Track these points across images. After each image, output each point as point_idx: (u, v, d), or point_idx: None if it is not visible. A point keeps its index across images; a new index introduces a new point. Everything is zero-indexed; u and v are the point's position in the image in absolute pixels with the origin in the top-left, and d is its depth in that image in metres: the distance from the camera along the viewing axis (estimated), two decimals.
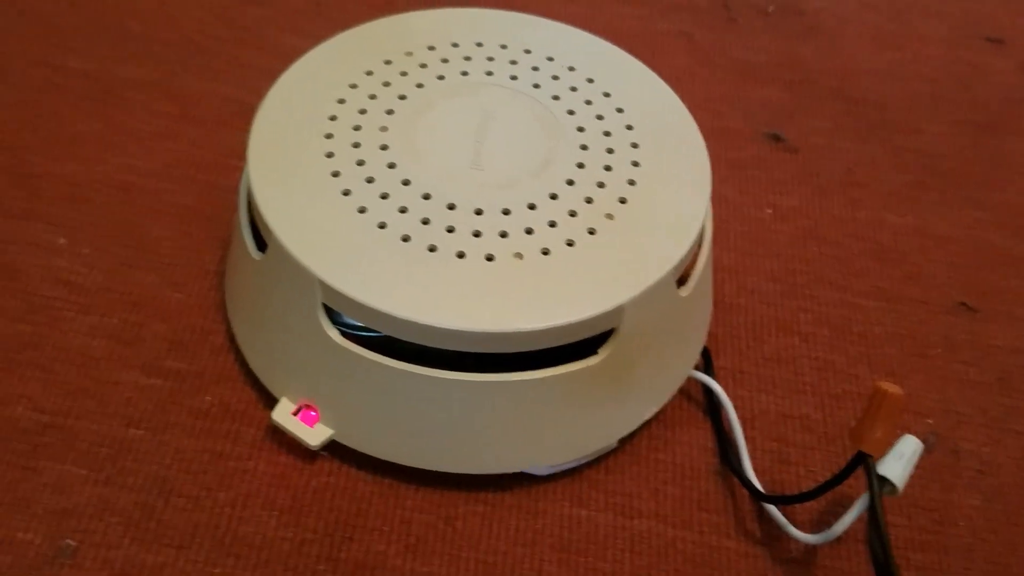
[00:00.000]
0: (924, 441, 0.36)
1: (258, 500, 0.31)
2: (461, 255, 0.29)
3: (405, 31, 0.37)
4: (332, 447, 0.32)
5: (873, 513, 0.28)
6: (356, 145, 0.32)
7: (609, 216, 0.31)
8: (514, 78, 0.35)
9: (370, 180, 0.31)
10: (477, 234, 0.30)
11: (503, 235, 0.30)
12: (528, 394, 0.30)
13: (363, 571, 0.30)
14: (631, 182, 0.32)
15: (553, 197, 0.31)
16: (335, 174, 0.31)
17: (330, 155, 0.32)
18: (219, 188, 0.40)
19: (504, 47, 0.37)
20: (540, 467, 0.32)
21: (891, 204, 0.45)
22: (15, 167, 0.39)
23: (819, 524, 0.33)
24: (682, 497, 0.33)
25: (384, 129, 0.33)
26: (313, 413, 0.32)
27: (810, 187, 0.45)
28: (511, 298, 0.29)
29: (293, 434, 0.31)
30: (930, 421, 0.37)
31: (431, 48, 0.36)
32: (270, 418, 0.32)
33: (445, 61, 0.36)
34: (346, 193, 0.31)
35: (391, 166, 0.32)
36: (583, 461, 0.33)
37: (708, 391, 0.36)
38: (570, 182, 0.32)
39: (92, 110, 0.42)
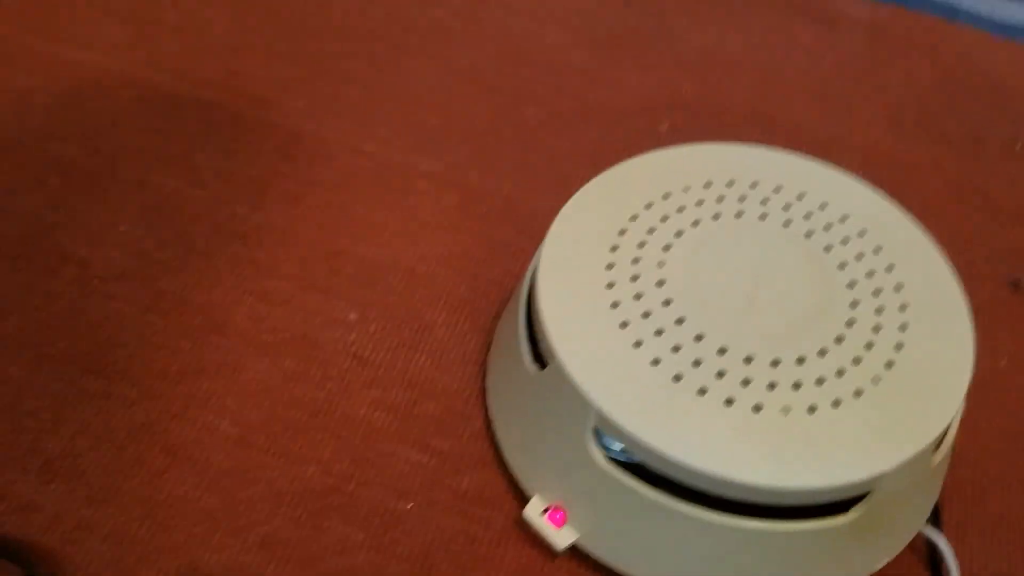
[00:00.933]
0: None
1: None
2: (729, 402, 0.32)
3: (685, 164, 0.39)
4: (574, 550, 0.35)
5: None
6: (635, 278, 0.35)
7: (875, 380, 0.33)
8: (787, 224, 0.37)
9: (646, 315, 0.34)
10: (746, 383, 0.32)
11: (771, 386, 0.32)
12: (772, 543, 0.32)
13: None
14: (899, 346, 0.34)
15: (822, 353, 0.33)
16: (614, 305, 0.34)
17: (610, 285, 0.35)
18: (486, 280, 0.44)
19: (778, 189, 0.39)
20: None
21: None
22: (325, 244, 0.45)
23: None
24: None
25: (662, 265, 0.35)
26: (560, 515, 0.35)
27: None
28: (773, 452, 0.31)
29: (541, 532, 0.35)
30: None
31: (707, 185, 0.38)
32: (521, 511, 0.35)
33: (720, 199, 0.38)
34: (623, 325, 0.33)
35: (666, 303, 0.34)
36: None
37: (931, 544, 0.37)
38: (839, 339, 0.34)
39: (388, 197, 0.47)
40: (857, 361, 0.33)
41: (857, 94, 0.56)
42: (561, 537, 0.34)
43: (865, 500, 0.32)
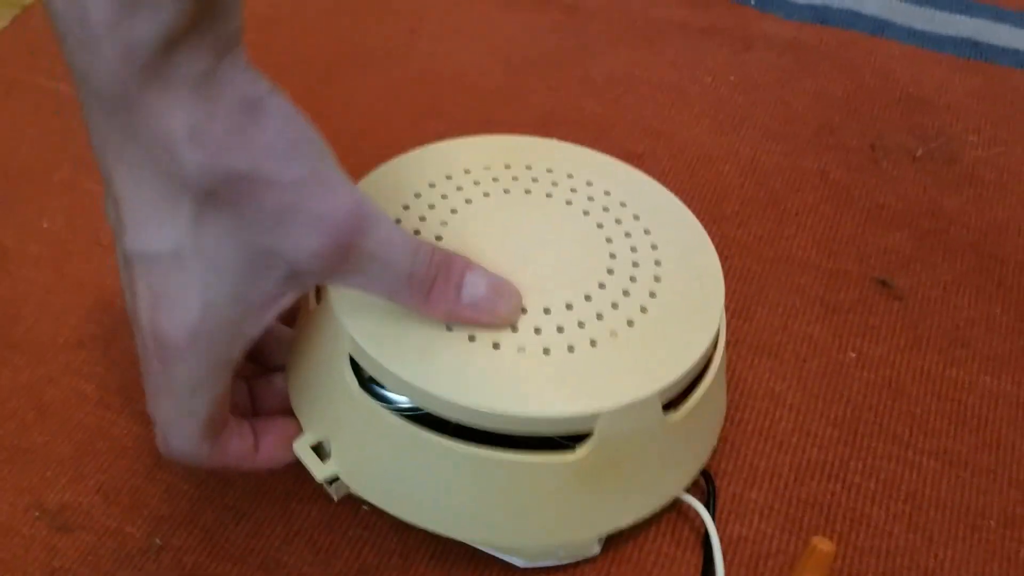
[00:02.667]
0: None
1: (303, 537, 0.38)
2: (472, 338, 0.34)
3: (475, 150, 0.42)
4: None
5: None
6: None
7: (628, 323, 0.35)
8: (569, 203, 0.40)
9: None
10: (513, 329, 0.35)
11: (537, 331, 0.35)
12: (503, 472, 0.34)
13: None
14: (643, 309, 0.36)
15: (587, 298, 0.36)
16: None
17: None
18: None
19: (570, 176, 0.41)
20: (518, 560, 0.37)
21: (992, 368, 0.44)
22: None
23: None
24: None
25: (441, 233, 0.38)
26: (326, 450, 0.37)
27: (906, 338, 0.45)
28: (504, 383, 0.33)
29: (307, 466, 0.36)
30: None
31: (487, 168, 0.41)
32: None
33: (495, 180, 0.41)
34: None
35: None
36: (562, 562, 0.37)
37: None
38: (602, 285, 0.36)
39: None
40: (600, 317, 0.35)
41: (756, 110, 0.58)
42: (323, 471, 0.36)
43: (589, 440, 0.33)
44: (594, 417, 0.33)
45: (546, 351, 0.34)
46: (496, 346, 0.34)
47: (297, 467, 0.39)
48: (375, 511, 0.38)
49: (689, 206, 0.41)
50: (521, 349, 0.34)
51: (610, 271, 0.37)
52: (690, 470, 0.38)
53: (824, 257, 0.49)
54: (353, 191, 0.30)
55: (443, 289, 0.33)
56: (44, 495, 0.39)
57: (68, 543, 0.38)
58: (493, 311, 0.34)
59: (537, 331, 0.35)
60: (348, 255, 0.30)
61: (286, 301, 0.32)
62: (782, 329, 0.46)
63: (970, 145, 0.56)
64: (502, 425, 0.33)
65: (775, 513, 0.39)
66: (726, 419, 0.41)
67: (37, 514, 0.39)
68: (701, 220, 0.40)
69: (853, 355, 0.45)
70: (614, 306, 0.36)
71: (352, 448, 0.36)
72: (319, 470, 0.36)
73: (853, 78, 0.61)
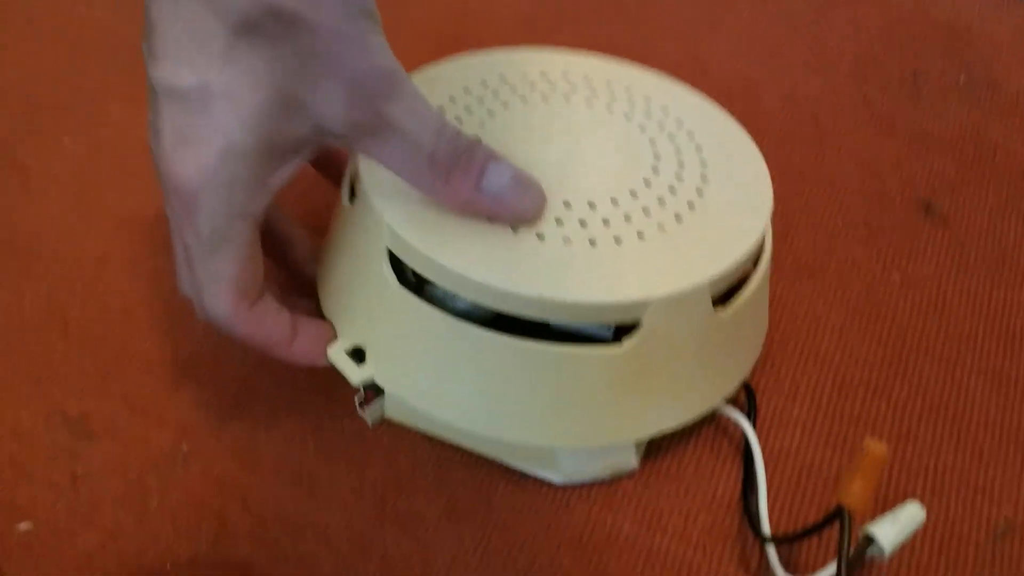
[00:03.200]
0: (993, 529, 0.35)
1: (336, 447, 0.37)
2: (540, 237, 0.33)
3: (516, 61, 0.41)
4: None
5: (841, 566, 0.28)
6: None
7: (676, 218, 0.34)
8: (610, 109, 0.39)
9: None
10: (559, 222, 0.33)
11: (558, 222, 0.33)
12: (550, 364, 0.32)
13: (402, 521, 0.35)
14: (691, 205, 0.35)
15: (633, 194, 0.35)
16: None
17: None
18: None
19: (609, 84, 0.40)
20: (555, 475, 0.35)
21: None
22: None
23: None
24: (710, 525, 0.35)
25: (481, 131, 0.36)
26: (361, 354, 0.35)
27: (951, 261, 0.44)
28: (552, 272, 0.32)
29: (342, 370, 0.35)
30: (1007, 512, 0.35)
31: (543, 74, 0.40)
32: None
33: (532, 85, 0.39)
34: None
35: None
36: (600, 477, 0.36)
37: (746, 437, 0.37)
38: (647, 182, 0.35)
39: None
40: (647, 211, 0.34)
41: (794, 40, 0.57)
42: (359, 374, 0.35)
43: (637, 332, 0.32)
44: (643, 305, 0.32)
45: (592, 242, 0.33)
46: (540, 237, 0.33)
47: (329, 384, 0.38)
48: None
49: None
50: (567, 240, 0.33)
51: (655, 170, 0.36)
52: (733, 377, 0.37)
53: (867, 180, 0.48)
54: (390, 58, 0.29)
55: (464, 175, 0.32)
56: (67, 404, 0.38)
57: (91, 450, 0.37)
58: (514, 205, 0.33)
59: (582, 223, 0.33)
60: (372, 119, 0.29)
61: (304, 156, 0.31)
62: (825, 251, 0.45)
63: (1014, 75, 0.54)
64: (548, 313, 0.32)
65: (818, 428, 0.38)
66: (768, 338, 0.40)
67: (60, 421, 0.38)
68: None
69: (897, 277, 0.44)
70: (660, 202, 0.35)
71: (389, 348, 0.35)
72: (355, 373, 0.35)
73: (892, 9, 0.59)
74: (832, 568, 0.30)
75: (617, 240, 0.33)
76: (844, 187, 0.48)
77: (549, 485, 0.36)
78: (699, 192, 0.35)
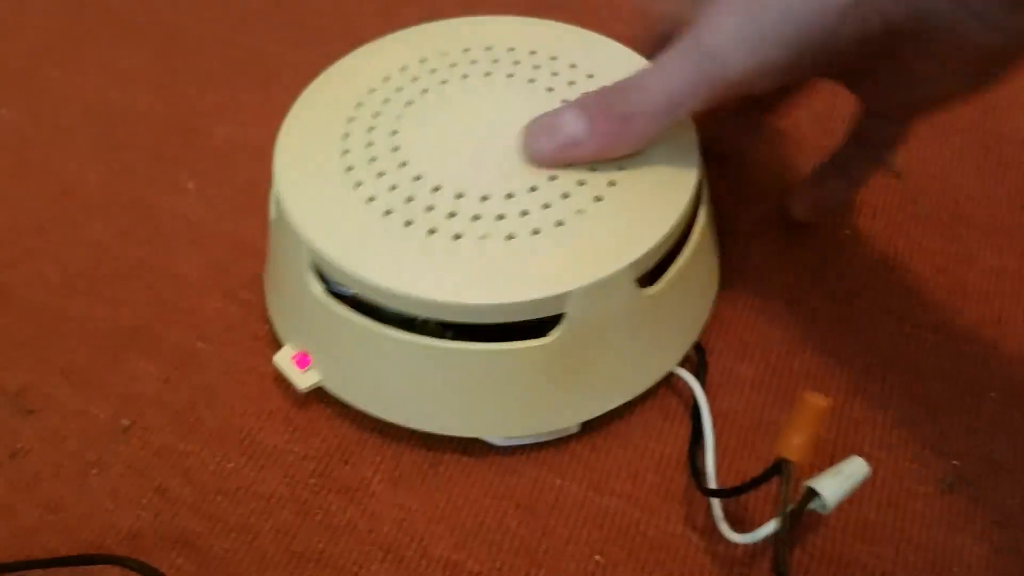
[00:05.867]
0: (942, 481, 0.35)
1: (280, 416, 0.37)
2: (432, 231, 0.32)
3: (430, 37, 0.40)
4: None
5: (784, 520, 0.28)
6: (370, 144, 0.35)
7: (580, 212, 0.33)
8: (510, 76, 0.38)
9: (381, 174, 0.34)
10: (452, 215, 0.33)
11: (475, 218, 0.33)
12: (479, 364, 0.32)
13: (347, 492, 0.35)
14: (611, 183, 0.34)
15: (532, 190, 0.34)
16: (349, 168, 0.35)
17: (345, 152, 0.35)
18: None
19: (512, 50, 0.39)
20: (496, 438, 0.35)
21: (993, 243, 0.42)
22: (181, 123, 0.48)
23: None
24: (658, 484, 0.35)
25: (396, 129, 0.36)
26: (306, 360, 0.36)
27: (904, 214, 0.44)
28: (470, 274, 0.31)
29: (287, 376, 0.36)
30: (956, 463, 0.35)
31: (444, 54, 0.39)
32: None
33: (454, 65, 0.38)
34: (358, 185, 0.34)
35: (394, 149, 0.35)
36: (542, 439, 0.35)
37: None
38: (553, 178, 0.34)
39: (250, 84, 0.50)
40: (566, 196, 0.33)
41: None
42: (304, 379, 0.35)
43: (561, 323, 0.32)
44: (563, 298, 0.31)
45: (510, 237, 0.32)
46: (457, 237, 0.32)
47: (271, 344, 0.37)
48: None
49: None
50: (485, 237, 0.32)
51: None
52: (676, 348, 0.36)
53: (816, 134, 0.47)
54: None
55: None
56: (3, 378, 0.38)
57: (30, 425, 0.36)
58: None
59: (500, 217, 0.33)
60: None
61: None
62: (775, 208, 0.44)
63: None
64: (470, 317, 0.31)
65: (766, 386, 0.38)
66: (720, 296, 0.40)
67: None
68: None
69: (848, 232, 0.43)
70: (580, 183, 0.34)
71: (329, 354, 0.35)
72: (300, 379, 0.35)
73: None
74: (771, 525, 0.29)
75: (535, 231, 0.32)
76: (793, 140, 0.47)
77: (496, 450, 0.36)
78: (620, 167, 0.34)
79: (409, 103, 0.37)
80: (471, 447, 0.36)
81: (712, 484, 0.33)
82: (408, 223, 0.33)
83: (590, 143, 0.33)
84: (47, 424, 0.36)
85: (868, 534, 0.34)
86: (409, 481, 0.35)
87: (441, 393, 0.34)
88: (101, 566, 0.32)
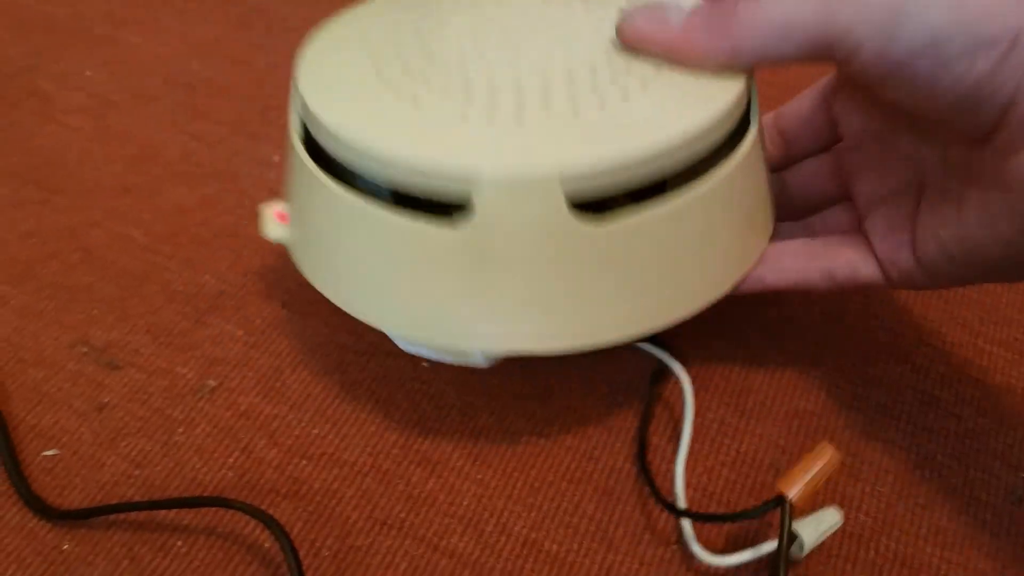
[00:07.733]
0: (1011, 493, 0.35)
1: (363, 388, 0.37)
2: (415, 98, 0.30)
3: None
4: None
5: (778, 557, 0.29)
6: (396, 42, 0.33)
7: (624, 94, 0.30)
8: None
9: (401, 61, 0.32)
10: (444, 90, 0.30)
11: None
12: (385, 232, 0.30)
13: (428, 464, 0.35)
14: (645, 85, 0.30)
15: (594, 69, 0.31)
16: (371, 55, 0.32)
17: (367, 45, 0.33)
18: None
19: None
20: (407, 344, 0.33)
21: None
22: (262, 98, 0.48)
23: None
24: (733, 481, 0.35)
25: (418, 32, 0.33)
26: (286, 218, 0.35)
27: None
28: (420, 135, 0.29)
29: (263, 224, 0.35)
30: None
31: None
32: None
33: None
34: (378, 72, 0.32)
35: (427, 55, 0.32)
36: (448, 359, 0.33)
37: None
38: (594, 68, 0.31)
39: None
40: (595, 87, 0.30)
41: None
42: (273, 230, 0.34)
43: (468, 215, 0.28)
44: (469, 181, 0.27)
45: (519, 118, 0.29)
46: (415, 99, 0.30)
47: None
48: (433, 367, 0.37)
49: None
50: (494, 108, 0.29)
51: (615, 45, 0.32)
52: (634, 318, 0.31)
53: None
54: None
55: None
56: (90, 332, 0.38)
57: (116, 380, 0.37)
58: None
59: (519, 93, 0.30)
60: None
61: None
62: None
63: None
64: (392, 172, 0.28)
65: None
66: None
67: (84, 350, 0.37)
68: None
69: None
70: (627, 70, 0.30)
71: (292, 207, 0.34)
72: (271, 230, 0.34)
73: None
74: (747, 554, 0.31)
75: (546, 109, 0.29)
76: None
77: (574, 435, 0.36)
78: (658, 67, 0.31)
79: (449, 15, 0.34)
80: (549, 430, 0.36)
81: (678, 500, 0.33)
82: (415, 97, 0.30)
83: (681, 35, 0.31)
84: (133, 380, 0.37)
85: (940, 539, 0.34)
86: (487, 459, 0.35)
87: (358, 269, 0.31)
88: (205, 510, 0.33)
